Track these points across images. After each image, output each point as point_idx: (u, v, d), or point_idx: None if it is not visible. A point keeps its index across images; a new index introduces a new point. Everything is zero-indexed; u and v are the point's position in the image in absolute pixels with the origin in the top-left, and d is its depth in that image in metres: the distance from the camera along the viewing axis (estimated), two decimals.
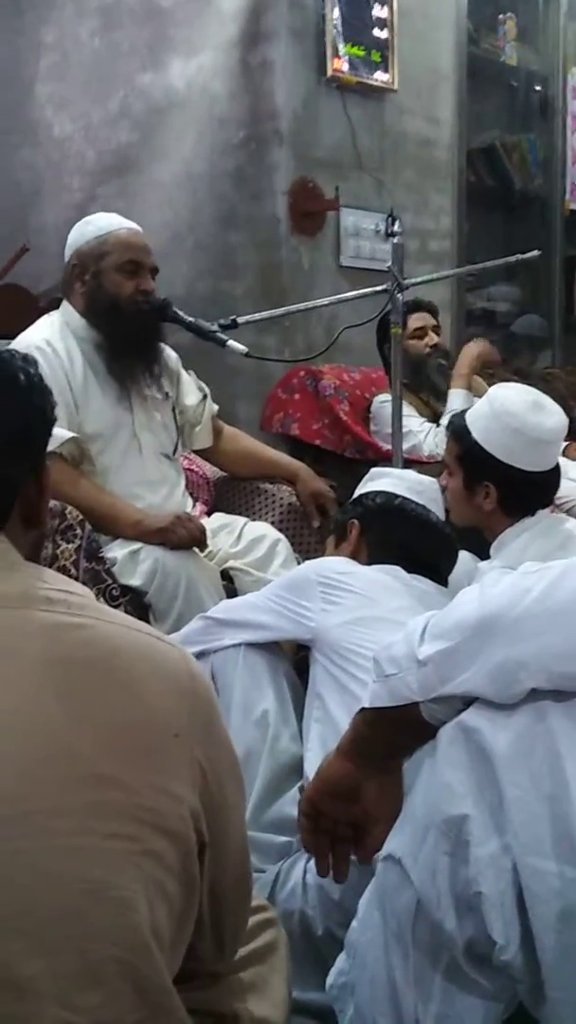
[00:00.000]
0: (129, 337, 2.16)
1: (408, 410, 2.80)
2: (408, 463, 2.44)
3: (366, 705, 1.04)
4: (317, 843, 1.09)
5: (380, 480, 1.84)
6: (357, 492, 1.86)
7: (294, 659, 1.71)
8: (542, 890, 0.88)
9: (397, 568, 1.66)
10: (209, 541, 2.11)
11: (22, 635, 0.77)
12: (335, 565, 1.64)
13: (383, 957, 1.02)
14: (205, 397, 2.41)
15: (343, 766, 1.06)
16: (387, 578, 1.63)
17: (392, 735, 1.03)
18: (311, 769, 1.38)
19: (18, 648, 0.76)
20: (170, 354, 2.35)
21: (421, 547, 1.73)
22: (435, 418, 2.97)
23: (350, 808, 1.07)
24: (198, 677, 0.84)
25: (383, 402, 2.99)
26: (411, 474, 1.90)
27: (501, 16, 4.30)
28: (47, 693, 0.75)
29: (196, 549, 2.06)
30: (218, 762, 0.83)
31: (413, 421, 2.91)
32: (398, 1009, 1.01)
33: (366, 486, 1.85)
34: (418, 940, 0.99)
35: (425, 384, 3.00)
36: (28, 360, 0.88)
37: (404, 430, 2.49)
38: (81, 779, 0.73)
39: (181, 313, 2.19)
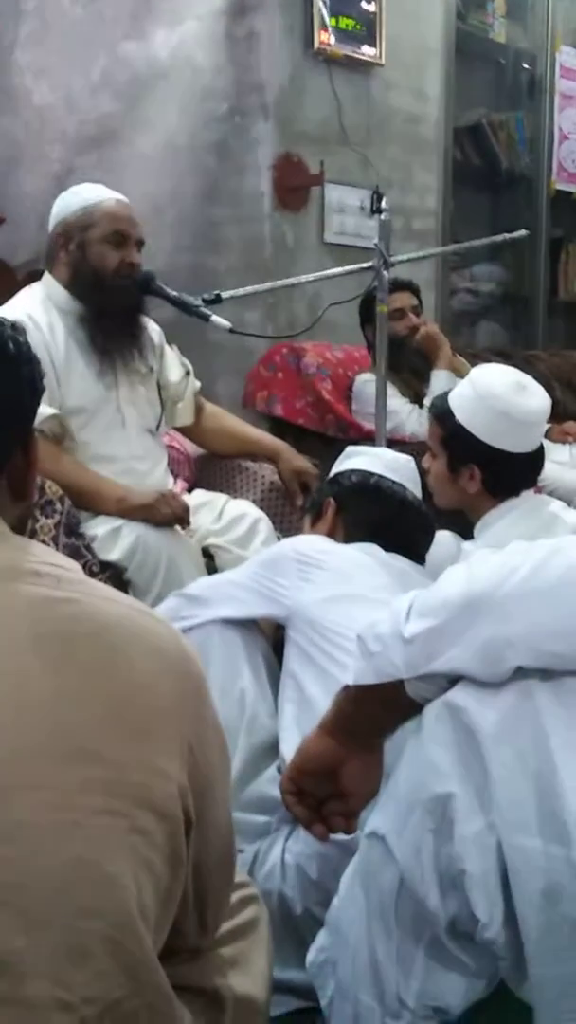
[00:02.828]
0: (112, 310, 2.13)
1: (391, 390, 2.79)
2: (390, 443, 2.43)
3: (350, 682, 1.03)
4: (305, 815, 1.08)
5: (356, 458, 1.83)
6: (333, 471, 1.85)
7: (273, 639, 1.70)
8: (526, 868, 0.88)
9: (375, 546, 1.65)
10: (190, 518, 2.10)
11: (9, 609, 0.76)
12: (312, 543, 1.64)
13: (365, 934, 1.03)
14: (188, 373, 2.39)
15: (326, 743, 1.06)
16: (365, 557, 1.62)
17: (376, 712, 1.03)
18: (287, 750, 1.38)
19: (5, 622, 0.75)
20: (154, 328, 2.32)
21: (398, 525, 1.72)
22: (417, 399, 2.97)
23: (330, 786, 1.07)
24: (189, 655, 0.83)
25: (365, 381, 2.98)
26: (387, 452, 1.89)
27: None
28: (35, 668, 0.74)
29: (178, 527, 2.05)
30: (206, 741, 0.82)
31: (396, 401, 2.90)
32: (380, 985, 1.01)
33: (342, 464, 1.84)
34: (401, 917, 1.00)
35: (405, 365, 2.99)
36: (17, 328, 0.86)
37: (388, 409, 2.48)
38: (70, 755, 0.72)
39: (165, 287, 2.16)
